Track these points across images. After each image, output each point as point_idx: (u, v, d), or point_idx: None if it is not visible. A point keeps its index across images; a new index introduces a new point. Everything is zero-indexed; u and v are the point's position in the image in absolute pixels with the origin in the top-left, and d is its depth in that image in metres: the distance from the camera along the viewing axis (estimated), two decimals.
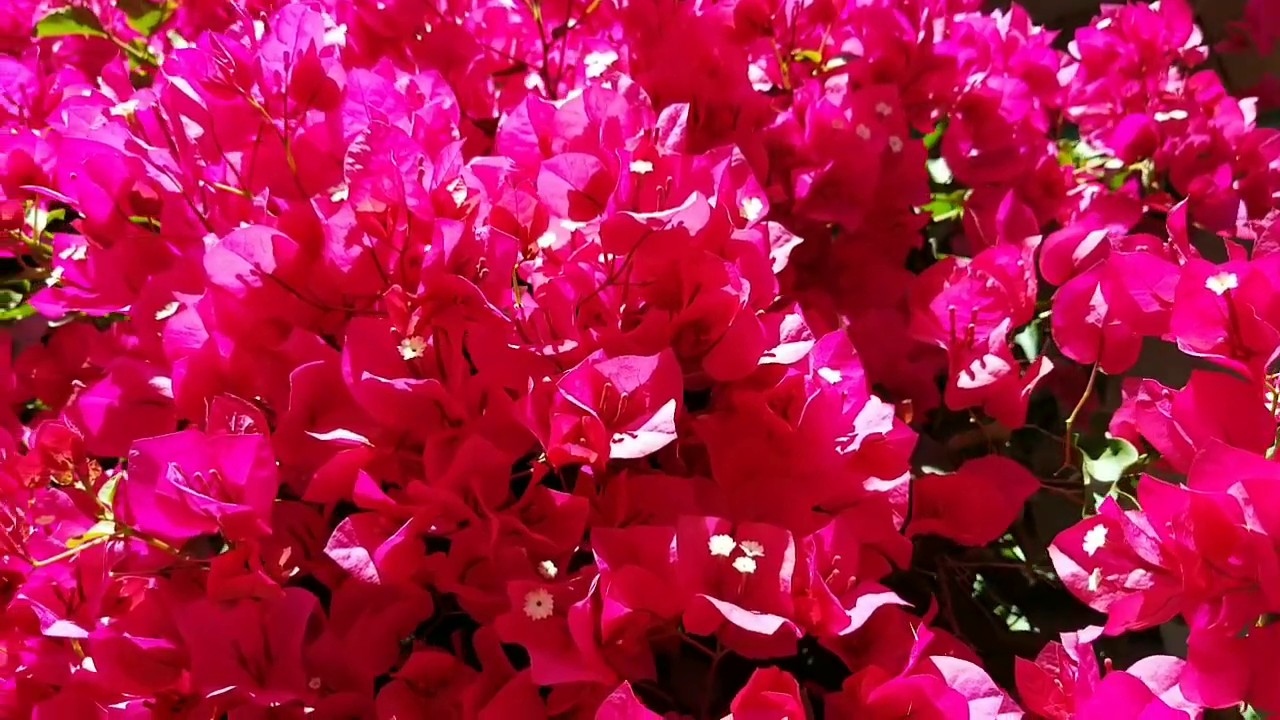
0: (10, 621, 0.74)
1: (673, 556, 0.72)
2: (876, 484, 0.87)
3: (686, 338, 0.82)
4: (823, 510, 0.85)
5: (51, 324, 1.23)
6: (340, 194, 0.78)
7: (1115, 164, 1.43)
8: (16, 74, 1.10)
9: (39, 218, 1.10)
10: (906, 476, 0.87)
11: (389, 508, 0.72)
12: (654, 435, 0.74)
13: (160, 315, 0.77)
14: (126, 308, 0.95)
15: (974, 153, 1.31)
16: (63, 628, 0.72)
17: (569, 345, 0.81)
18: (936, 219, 1.35)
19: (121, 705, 0.74)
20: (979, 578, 1.25)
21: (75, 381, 0.88)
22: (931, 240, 1.45)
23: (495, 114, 1.25)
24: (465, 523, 0.77)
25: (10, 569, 0.72)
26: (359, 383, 0.75)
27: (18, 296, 1.39)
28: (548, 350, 0.81)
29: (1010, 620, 1.26)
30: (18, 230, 1.01)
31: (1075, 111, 1.47)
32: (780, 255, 0.88)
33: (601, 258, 0.84)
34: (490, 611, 0.80)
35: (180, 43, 1.45)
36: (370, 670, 0.79)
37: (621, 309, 0.86)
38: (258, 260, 0.79)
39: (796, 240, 0.91)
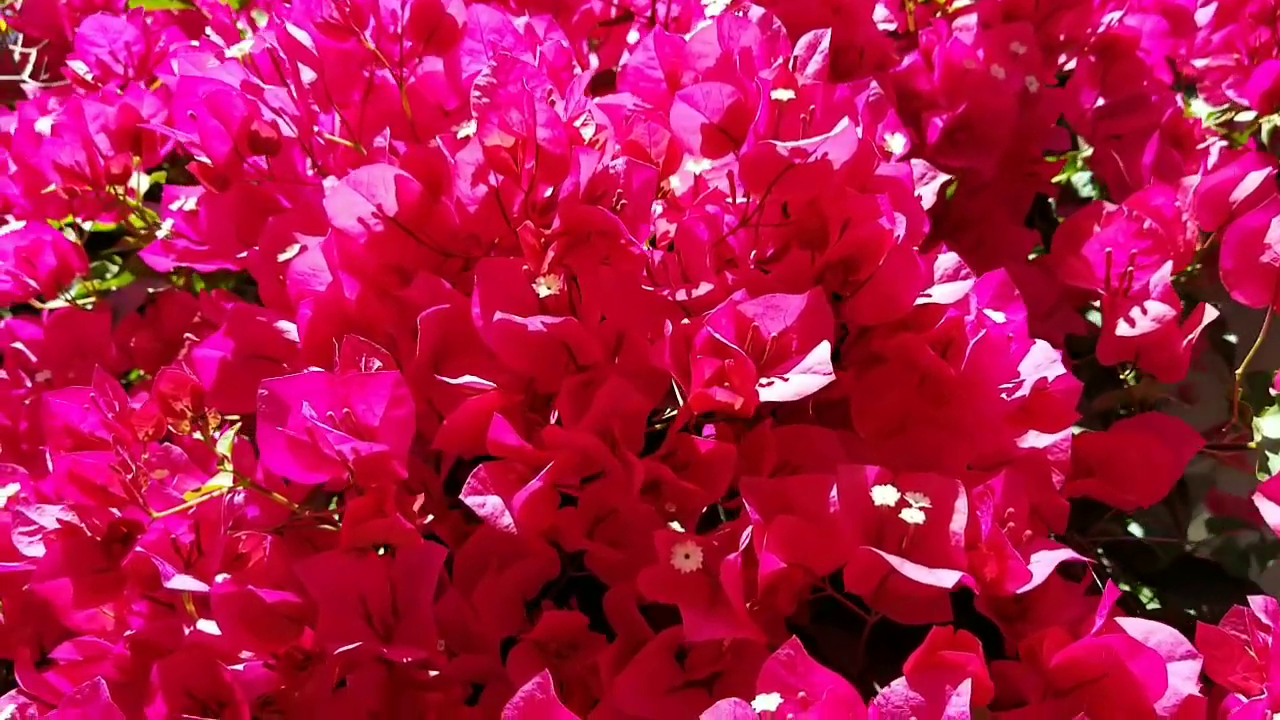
0: (128, 575, 0.70)
1: (833, 507, 0.66)
2: (1035, 439, 0.80)
3: (830, 278, 0.76)
4: (974, 468, 0.79)
5: (151, 290, 1.22)
6: (466, 130, 0.74)
7: (1241, 118, 1.35)
8: (122, 31, 1.08)
9: (141, 181, 1.09)
10: (1069, 431, 0.80)
11: (526, 454, 0.68)
12: (808, 378, 0.68)
13: (282, 257, 0.74)
14: (234, 268, 0.92)
15: (1100, 102, 1.23)
16: (182, 581, 0.69)
17: (704, 288, 0.76)
18: None
19: (239, 665, 0.71)
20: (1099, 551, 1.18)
21: (187, 335, 0.85)
22: (1049, 200, 1.37)
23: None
24: (596, 475, 0.72)
25: (129, 519, 0.69)
26: (490, 324, 0.70)
27: (114, 267, 1.38)
28: (680, 295, 0.77)
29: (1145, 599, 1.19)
30: (122, 191, 0.99)
31: (1199, 64, 1.39)
32: (927, 194, 0.82)
33: (730, 199, 0.79)
34: (620, 570, 0.75)
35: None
36: (497, 632, 0.75)
37: (752, 254, 0.81)
38: (380, 201, 0.75)
39: (943, 177, 0.84)
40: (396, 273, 0.77)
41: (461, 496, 0.67)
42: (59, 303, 1.26)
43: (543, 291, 0.68)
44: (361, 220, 0.76)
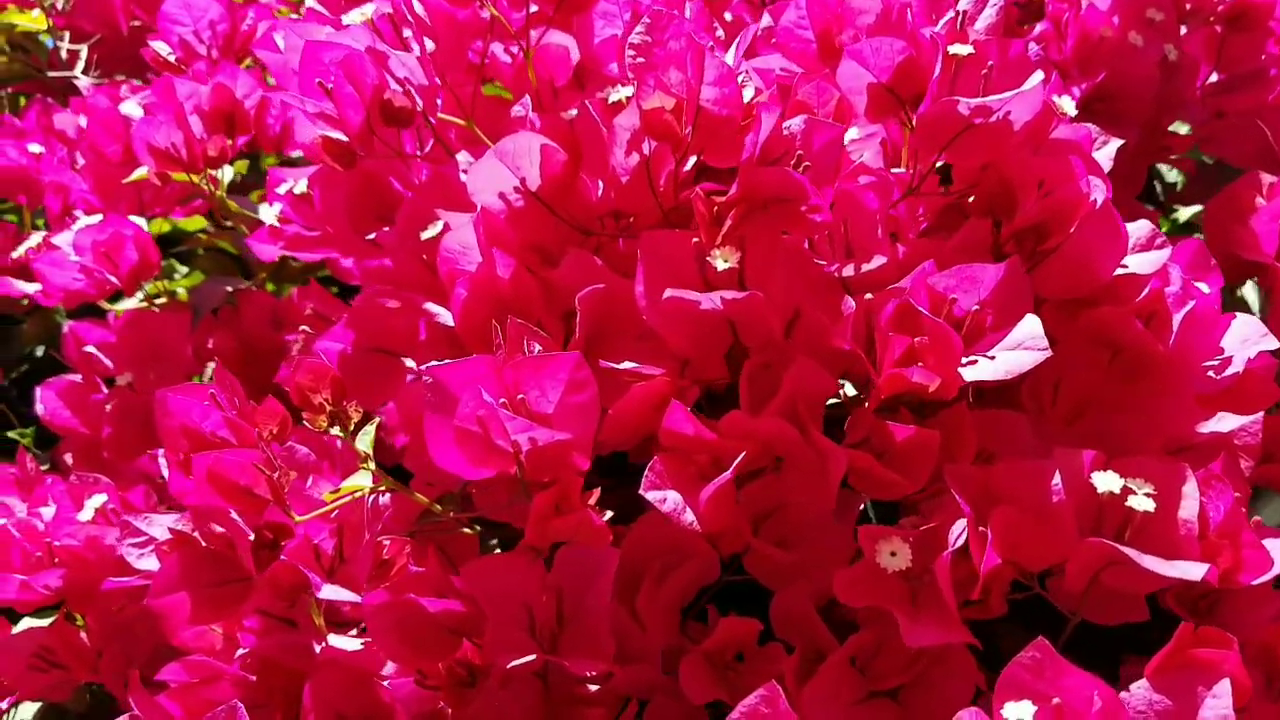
0: (270, 584, 0.64)
1: (1055, 496, 0.60)
2: (1222, 421, 0.74)
3: (1015, 248, 0.70)
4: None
5: (230, 289, 1.16)
6: (618, 95, 0.68)
7: None
8: (206, 9, 1.03)
9: (225, 171, 1.03)
10: (1261, 413, 0.74)
11: (708, 444, 0.61)
12: (1018, 354, 0.62)
13: (425, 235, 0.68)
14: (340, 255, 0.86)
15: (1214, 77, 1.17)
16: (333, 591, 0.62)
17: (876, 262, 0.70)
18: None
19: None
20: None
21: (303, 327, 0.79)
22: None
23: None
24: (762, 470, 0.66)
25: (276, 522, 0.63)
26: (656, 303, 0.64)
27: (184, 269, 1.32)
28: (847, 270, 0.71)
29: None
30: (204, 179, 0.93)
31: None
32: (1102, 159, 0.76)
33: (885, 167, 0.73)
34: (786, 573, 0.69)
35: None
36: (661, 640, 0.68)
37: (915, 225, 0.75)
38: (524, 174, 0.69)
39: (1117, 142, 0.78)
40: (536, 252, 0.71)
41: (642, 491, 0.60)
42: (131, 303, 1.21)
43: (719, 265, 0.62)
44: (503, 195, 0.70)
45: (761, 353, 0.65)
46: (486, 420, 0.57)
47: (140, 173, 0.96)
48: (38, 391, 1.08)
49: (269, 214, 0.82)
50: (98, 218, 1.02)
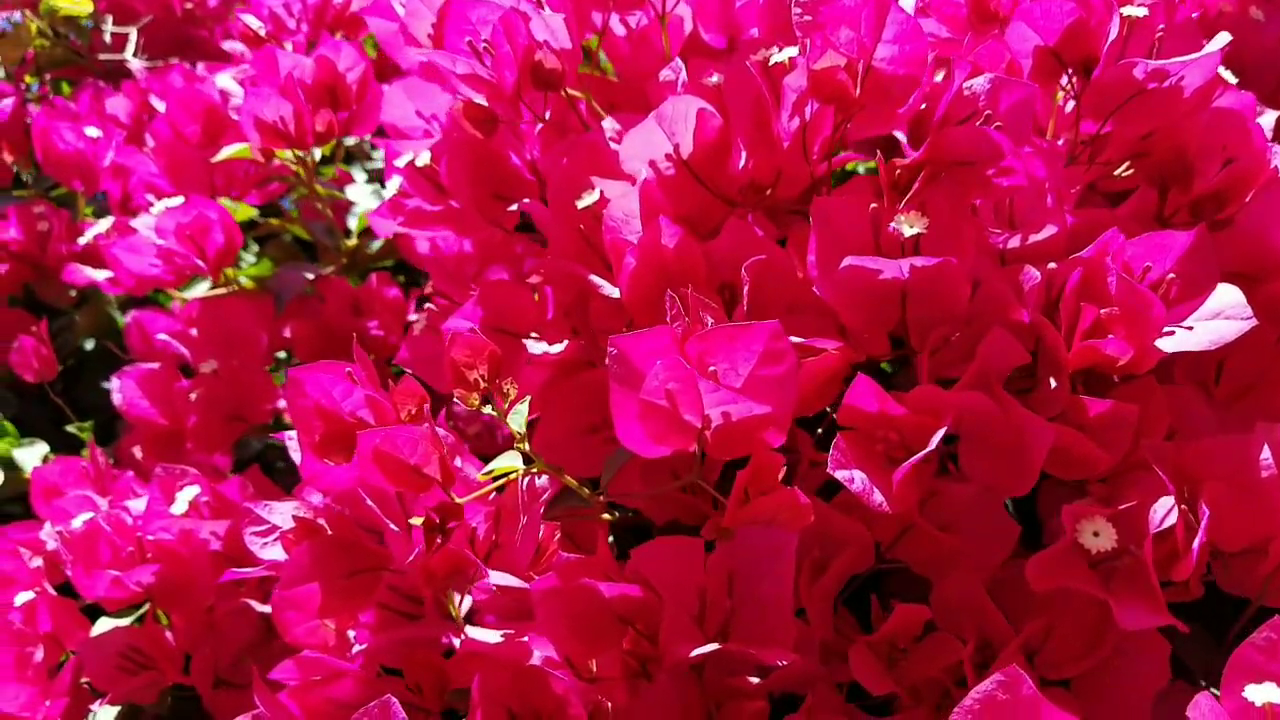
0: (426, 572, 0.61)
1: (1265, 471, 0.57)
2: None
3: (1190, 217, 0.68)
4: None
5: (309, 275, 1.13)
6: (780, 56, 0.65)
7: None
8: None
9: (313, 152, 0.99)
10: None
11: (895, 420, 0.58)
12: (1221, 324, 0.59)
13: (581, 203, 0.64)
14: (451, 230, 0.83)
15: None
16: (500, 578, 0.59)
17: (1047, 231, 0.67)
18: None
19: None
20: None
21: (427, 305, 0.75)
22: None
23: None
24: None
25: (443, 503, 0.60)
26: (828, 274, 0.61)
27: (250, 257, 1.29)
28: (1013, 242, 0.68)
29: None
30: (306, 158, 0.89)
31: None
32: (1265, 125, 0.74)
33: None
34: (946, 559, 0.66)
35: None
36: (821, 631, 0.65)
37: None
38: (678, 140, 0.66)
39: (1275, 113, 0.76)
40: (684, 224, 0.68)
41: (830, 470, 0.57)
42: (198, 291, 1.17)
43: (907, 230, 0.59)
44: (654, 163, 0.67)
45: (940, 325, 0.62)
46: (677, 393, 0.54)
47: (229, 151, 0.92)
48: (115, 381, 1.04)
49: (390, 187, 0.78)
50: (179, 200, 0.98)
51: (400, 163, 0.78)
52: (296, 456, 0.70)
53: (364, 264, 1.20)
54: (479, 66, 0.67)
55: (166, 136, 1.09)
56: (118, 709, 0.98)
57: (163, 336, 1.08)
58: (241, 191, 1.09)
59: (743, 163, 0.69)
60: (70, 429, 1.23)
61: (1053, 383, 0.63)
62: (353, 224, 1.12)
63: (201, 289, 1.19)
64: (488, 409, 0.64)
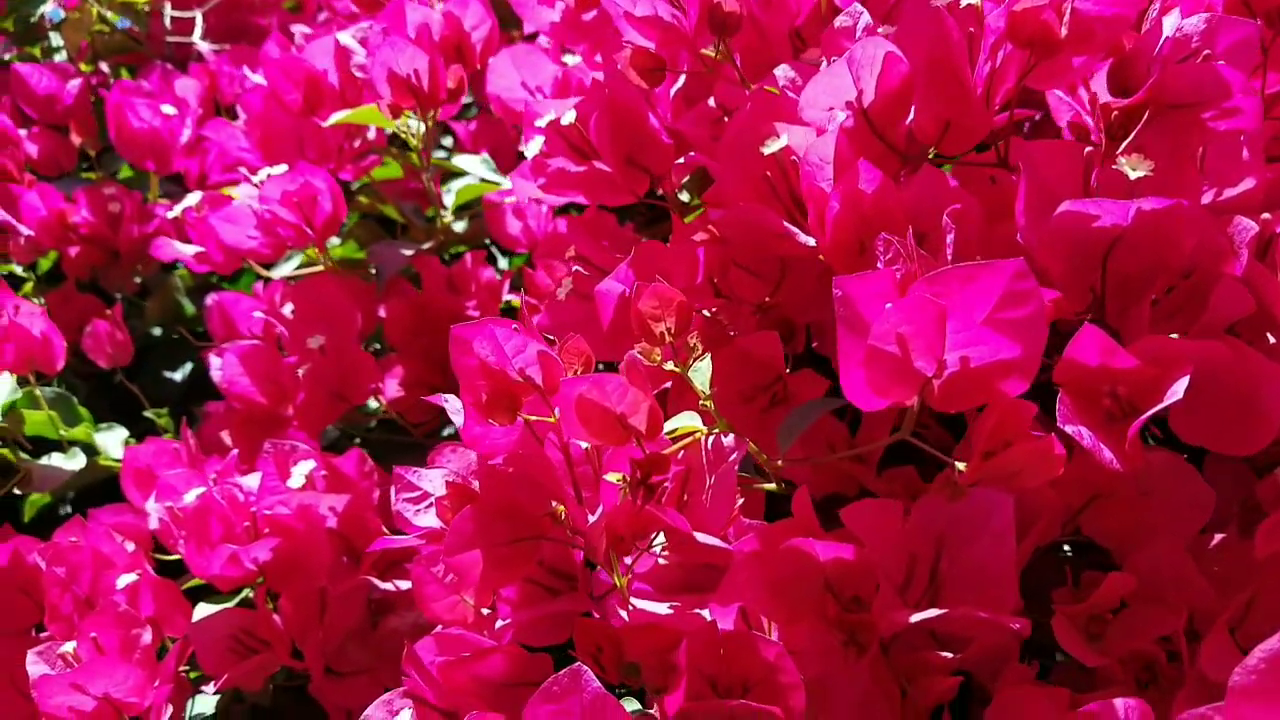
0: (611, 533, 0.57)
1: None
2: None
3: None
4: None
5: (407, 251, 1.09)
6: None
7: None
8: None
9: (418, 126, 0.95)
10: None
11: (1122, 373, 0.55)
12: None
13: (768, 149, 0.61)
14: (585, 199, 0.80)
15: None
16: (705, 538, 0.56)
17: (1245, 185, 0.64)
18: None
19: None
20: None
21: (576, 268, 0.72)
22: None
23: None
24: None
25: (653, 455, 0.56)
26: (1037, 221, 0.58)
27: (334, 240, 1.25)
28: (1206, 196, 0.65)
29: None
30: (431, 118, 0.85)
31: None
32: None
33: None
34: (1143, 531, 0.63)
35: None
36: (1014, 601, 0.62)
37: None
38: (863, 87, 0.63)
39: None
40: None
41: (1060, 425, 0.54)
42: (285, 270, 1.14)
43: (1131, 173, 0.56)
44: (833, 110, 0.64)
45: (1157, 276, 0.59)
46: (911, 337, 0.51)
47: (342, 115, 0.89)
48: (215, 359, 1.00)
49: (532, 146, 0.75)
50: (282, 168, 0.95)
51: (542, 122, 0.75)
52: (458, 419, 0.67)
53: (450, 244, 1.17)
54: (661, 5, 0.64)
55: (258, 108, 1.06)
56: (217, 698, 0.95)
57: (258, 314, 1.05)
58: (337, 165, 1.06)
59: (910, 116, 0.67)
60: (148, 414, 1.19)
61: (1270, 338, 0.60)
62: (449, 200, 1.08)
63: (288, 269, 1.15)
64: (670, 365, 0.61)
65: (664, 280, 0.70)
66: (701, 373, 0.61)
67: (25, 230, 1.25)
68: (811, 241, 0.60)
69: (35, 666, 0.83)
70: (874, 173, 0.59)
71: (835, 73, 0.62)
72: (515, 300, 1.09)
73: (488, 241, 1.20)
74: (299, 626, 0.87)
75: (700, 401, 0.60)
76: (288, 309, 1.08)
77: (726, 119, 0.78)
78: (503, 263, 1.32)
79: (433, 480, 0.70)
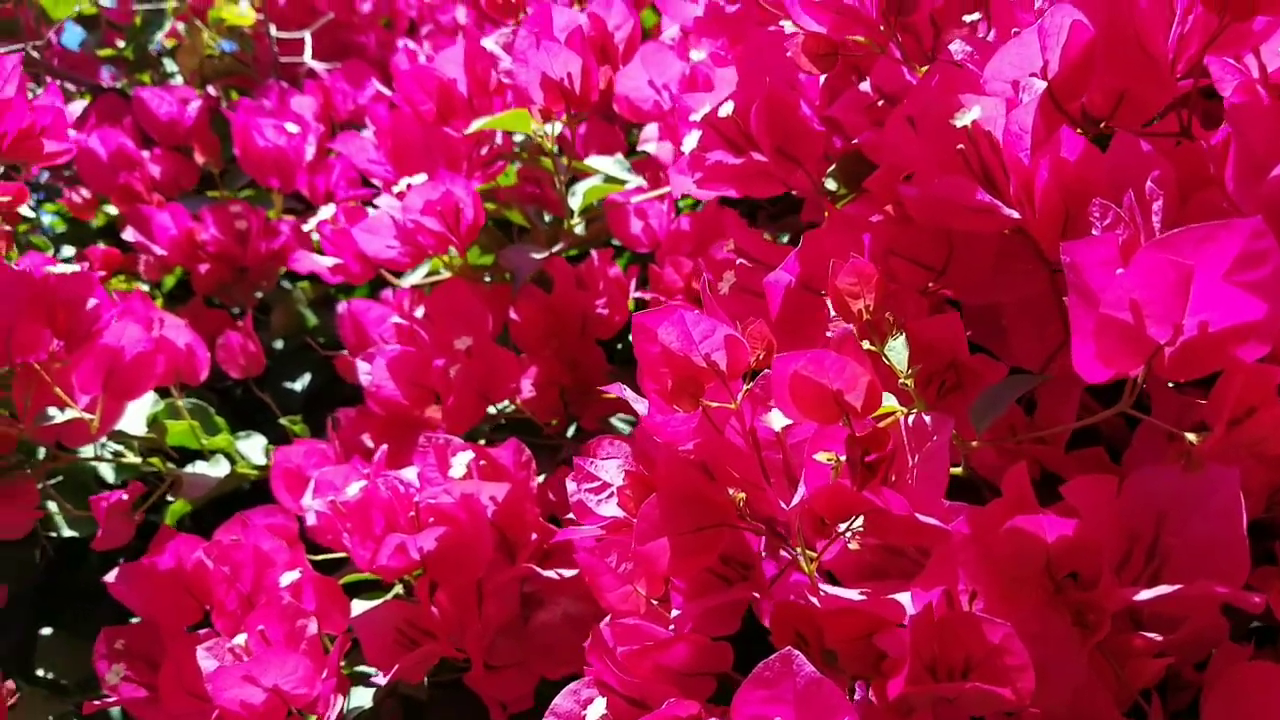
0: (827, 512, 0.55)
1: None
2: None
3: None
4: None
5: (537, 255, 1.08)
6: None
7: None
8: None
9: (553, 129, 0.94)
10: None
11: None
12: None
13: (959, 121, 0.59)
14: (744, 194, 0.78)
15: None
16: (926, 518, 0.54)
17: None
18: None
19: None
20: None
21: (740, 261, 0.70)
22: None
23: None
24: None
25: (875, 433, 0.54)
26: (1249, 184, 0.55)
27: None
28: None
29: None
30: (566, 122, 0.84)
31: None
32: None
33: None
34: None
35: None
36: (1244, 577, 0.58)
37: None
38: (1049, 57, 0.61)
39: None
40: None
41: None
42: (414, 278, 1.14)
43: None
44: (1015, 84, 0.61)
45: None
46: (1146, 303, 0.48)
47: (482, 123, 0.88)
48: (364, 364, 1.00)
49: (690, 141, 0.73)
50: (421, 177, 0.94)
51: (697, 116, 0.73)
52: (641, 407, 0.66)
53: (571, 246, 1.16)
54: None
55: (386, 120, 1.06)
56: (373, 691, 0.94)
57: (397, 320, 1.05)
58: (467, 173, 1.06)
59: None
60: (283, 422, 1.20)
61: None
62: (575, 203, 1.08)
63: (416, 276, 1.15)
64: (866, 344, 0.59)
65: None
66: (898, 351, 0.59)
67: (158, 249, 1.27)
68: (1014, 214, 0.57)
69: (206, 661, 0.84)
70: (1076, 140, 0.57)
71: (1024, 42, 0.60)
72: (644, 297, 1.08)
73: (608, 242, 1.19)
74: (458, 618, 0.87)
75: (900, 381, 0.58)
76: (419, 314, 1.08)
77: (881, 103, 0.76)
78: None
79: (609, 470, 0.69)
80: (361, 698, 0.95)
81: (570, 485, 0.69)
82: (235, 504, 1.15)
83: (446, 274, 1.11)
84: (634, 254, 1.20)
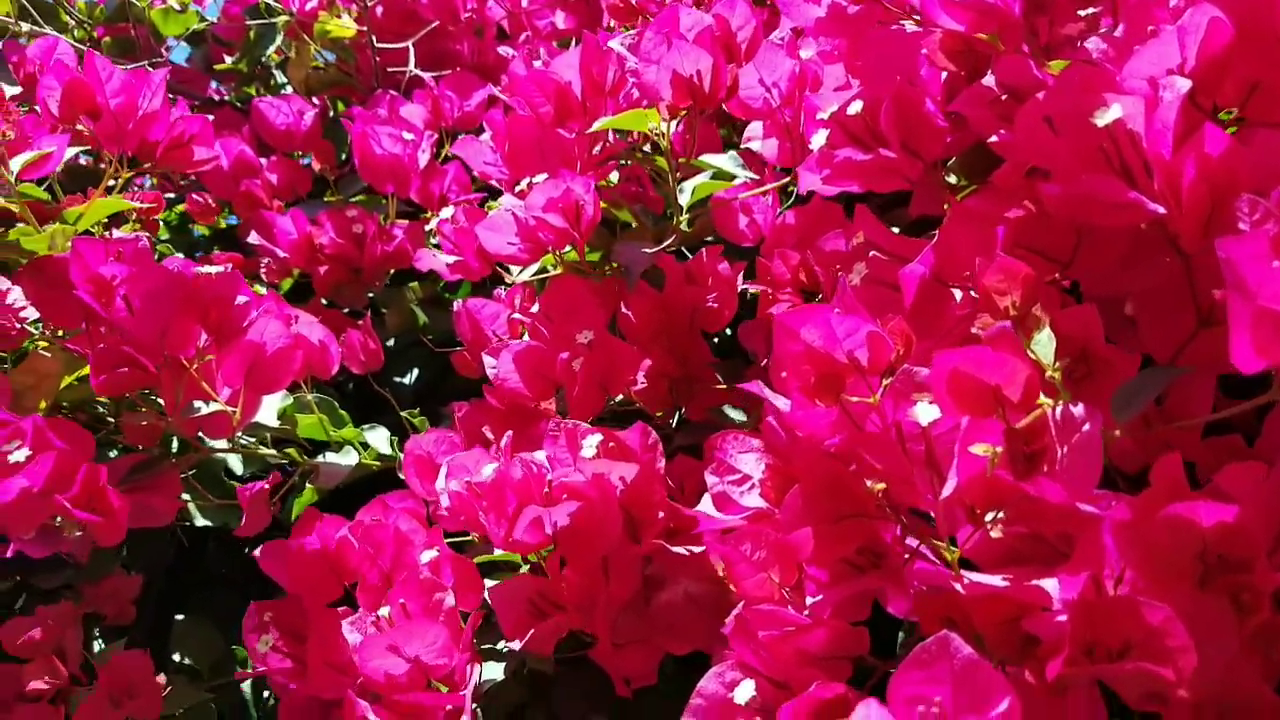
0: (976, 501, 0.56)
1: None
2: None
3: None
4: None
5: (649, 251, 1.10)
6: None
7: None
8: None
9: (668, 126, 0.96)
10: None
11: None
12: None
13: (1101, 120, 0.59)
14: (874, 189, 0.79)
15: None
16: (1087, 506, 0.54)
17: None
18: None
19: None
20: None
21: (873, 253, 0.71)
22: None
23: None
24: None
25: (1030, 426, 0.55)
26: None
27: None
28: None
29: None
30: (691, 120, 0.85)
31: None
32: None
33: None
34: None
35: None
36: None
37: None
38: (1186, 55, 0.60)
39: None
40: None
41: None
42: (526, 274, 1.16)
43: None
44: (1153, 81, 0.61)
45: None
46: None
47: (606, 121, 0.90)
48: (489, 358, 1.03)
49: (817, 139, 0.74)
50: (542, 177, 0.97)
51: (824, 114, 0.74)
52: (781, 403, 0.67)
53: (680, 242, 1.18)
54: None
55: (502, 124, 1.09)
56: (502, 665, 0.97)
57: (517, 316, 1.07)
58: (581, 172, 1.08)
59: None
60: (404, 415, 1.24)
61: None
62: (684, 200, 1.09)
63: (527, 273, 1.18)
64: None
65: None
66: (1044, 345, 0.59)
67: (280, 253, 1.31)
68: (1159, 209, 0.58)
69: (352, 634, 0.87)
70: (1220, 136, 0.57)
71: (1164, 40, 0.59)
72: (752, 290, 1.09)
73: (711, 238, 1.20)
74: (586, 593, 0.89)
75: (1048, 374, 0.58)
76: (534, 310, 1.10)
77: (1004, 97, 0.76)
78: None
79: (748, 463, 0.70)
80: (492, 671, 0.98)
81: (710, 478, 0.71)
82: (350, 494, 1.19)
83: (555, 270, 1.14)
84: (735, 248, 1.21)
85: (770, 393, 0.68)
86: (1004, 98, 0.77)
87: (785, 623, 0.70)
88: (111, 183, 1.11)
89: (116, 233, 1.09)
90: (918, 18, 0.77)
